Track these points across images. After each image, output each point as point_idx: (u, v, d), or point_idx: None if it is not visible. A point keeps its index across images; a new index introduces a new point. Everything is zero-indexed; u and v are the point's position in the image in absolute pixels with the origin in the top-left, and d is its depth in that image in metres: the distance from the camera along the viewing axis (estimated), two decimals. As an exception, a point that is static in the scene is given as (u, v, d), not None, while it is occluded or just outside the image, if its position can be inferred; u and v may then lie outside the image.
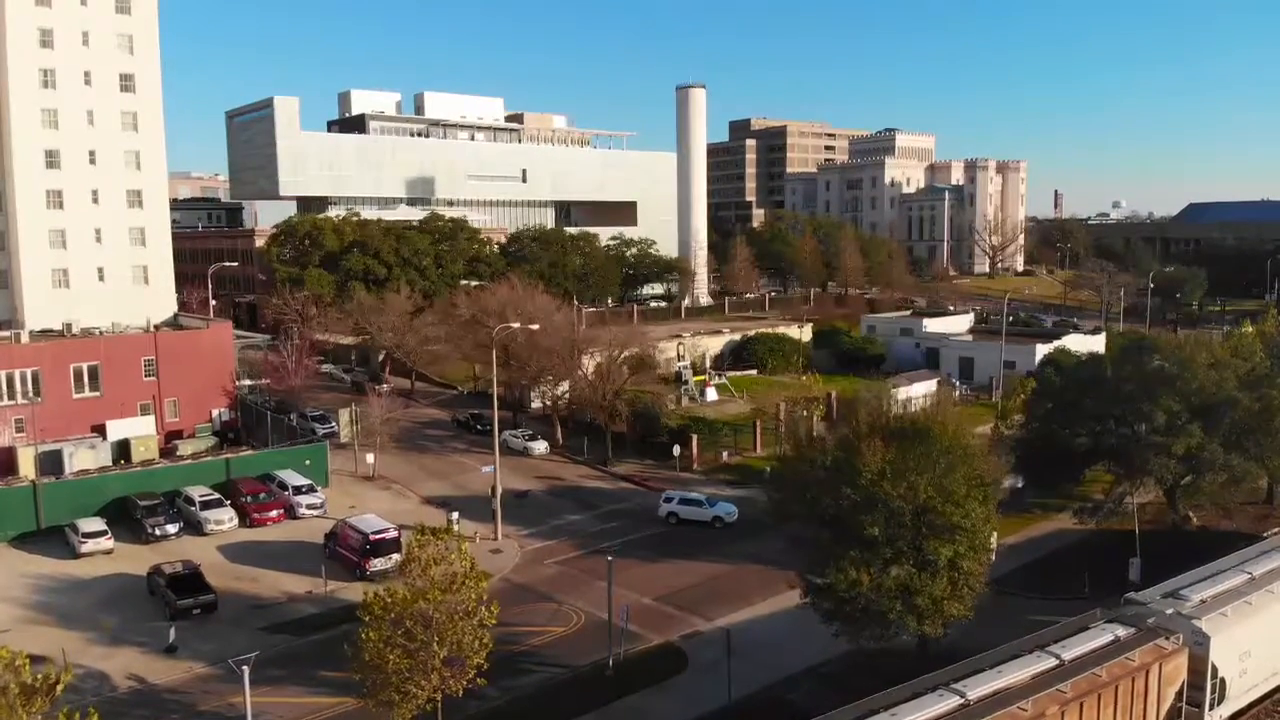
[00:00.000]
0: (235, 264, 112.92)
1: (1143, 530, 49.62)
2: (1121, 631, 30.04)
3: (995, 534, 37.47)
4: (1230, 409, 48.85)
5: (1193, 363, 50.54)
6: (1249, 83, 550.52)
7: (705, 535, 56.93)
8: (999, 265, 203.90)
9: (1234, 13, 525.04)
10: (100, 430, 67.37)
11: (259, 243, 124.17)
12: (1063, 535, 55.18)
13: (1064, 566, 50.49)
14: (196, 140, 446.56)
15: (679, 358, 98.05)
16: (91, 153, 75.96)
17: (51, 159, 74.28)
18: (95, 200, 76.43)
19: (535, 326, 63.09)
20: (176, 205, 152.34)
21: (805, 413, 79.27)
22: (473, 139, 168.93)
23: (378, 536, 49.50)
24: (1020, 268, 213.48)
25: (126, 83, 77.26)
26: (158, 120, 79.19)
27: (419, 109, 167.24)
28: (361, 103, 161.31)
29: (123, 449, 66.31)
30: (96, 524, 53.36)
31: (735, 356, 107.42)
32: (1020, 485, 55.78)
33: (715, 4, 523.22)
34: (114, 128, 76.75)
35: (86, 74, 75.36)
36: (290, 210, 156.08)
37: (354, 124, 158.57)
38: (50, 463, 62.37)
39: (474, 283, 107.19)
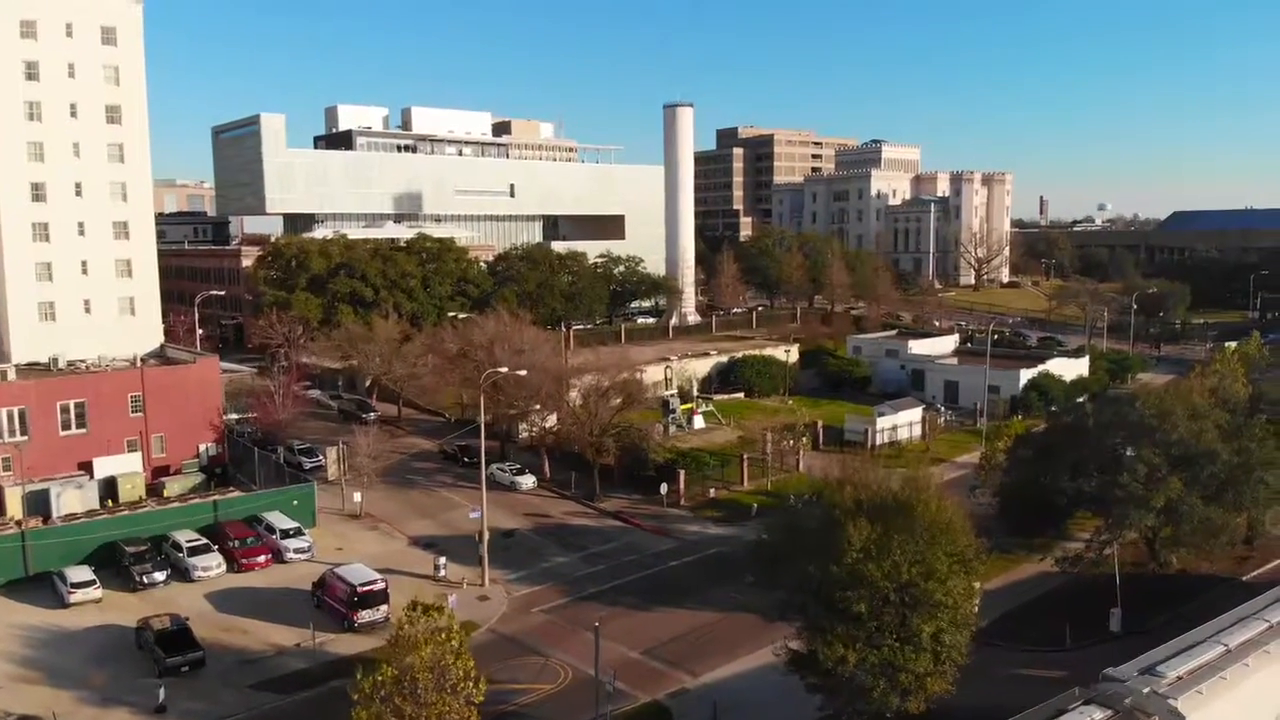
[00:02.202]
0: (222, 291, 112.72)
1: (1124, 574, 50.32)
2: (1099, 714, 30.49)
3: (978, 605, 37.96)
4: (1209, 462, 49.52)
5: (1172, 414, 51.17)
6: (1239, 86, 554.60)
7: (692, 578, 57.21)
8: (984, 277, 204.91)
9: (1227, 13, 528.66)
10: (87, 468, 67.36)
11: (245, 262, 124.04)
12: (1044, 580, 55.59)
13: (1045, 614, 51.12)
14: (182, 148, 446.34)
15: (666, 383, 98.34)
16: (78, 185, 75.64)
17: (38, 192, 73.93)
18: (81, 232, 76.09)
19: (523, 372, 63.23)
20: (162, 219, 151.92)
21: (791, 443, 79.99)
22: (460, 154, 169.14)
23: (365, 588, 49.64)
24: (1005, 279, 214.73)
25: (113, 114, 76.87)
26: (144, 151, 78.85)
27: (406, 124, 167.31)
28: (349, 118, 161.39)
29: (110, 487, 66.25)
30: (85, 573, 53.29)
31: (722, 379, 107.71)
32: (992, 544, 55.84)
33: (702, 10, 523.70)
34: (100, 159, 76.39)
35: (73, 106, 75.04)
36: (277, 224, 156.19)
37: (341, 139, 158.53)
38: (37, 503, 62.37)
39: (462, 315, 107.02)
